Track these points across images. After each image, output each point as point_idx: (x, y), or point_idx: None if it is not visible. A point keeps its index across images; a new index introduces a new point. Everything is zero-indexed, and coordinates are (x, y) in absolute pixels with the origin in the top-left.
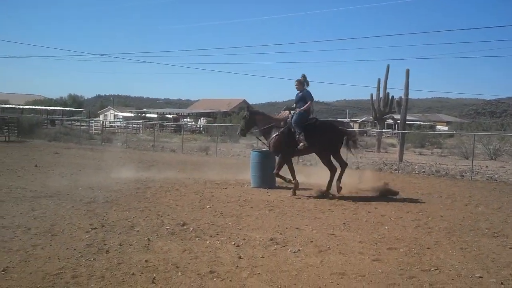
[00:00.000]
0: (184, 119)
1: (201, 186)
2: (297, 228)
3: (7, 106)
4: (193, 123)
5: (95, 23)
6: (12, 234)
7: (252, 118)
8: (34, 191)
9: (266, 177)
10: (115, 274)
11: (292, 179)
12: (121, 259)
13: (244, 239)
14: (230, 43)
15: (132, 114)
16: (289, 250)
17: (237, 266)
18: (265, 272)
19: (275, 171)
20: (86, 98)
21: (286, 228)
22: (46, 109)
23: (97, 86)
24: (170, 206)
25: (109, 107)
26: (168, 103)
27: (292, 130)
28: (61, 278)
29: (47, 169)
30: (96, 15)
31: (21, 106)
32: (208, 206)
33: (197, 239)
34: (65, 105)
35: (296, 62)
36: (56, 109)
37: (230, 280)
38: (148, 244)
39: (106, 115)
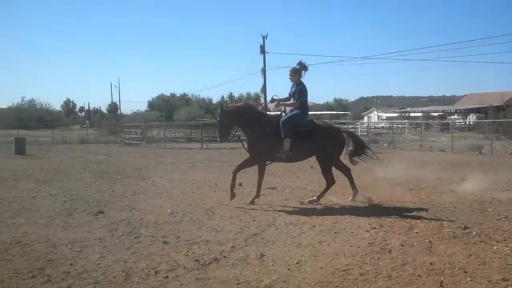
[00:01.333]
0: (451, 117)
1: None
2: None
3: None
4: (462, 120)
5: (354, 27)
6: (299, 230)
7: (232, 118)
8: (313, 190)
9: None
10: (401, 275)
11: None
12: (405, 260)
13: None
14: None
15: (395, 114)
16: None
17: None
18: None
19: (236, 168)
20: (350, 101)
21: None
22: (315, 113)
23: (360, 88)
24: (448, 208)
25: (372, 108)
26: (431, 100)
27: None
28: (349, 274)
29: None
30: (353, 19)
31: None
32: (490, 209)
33: (482, 244)
34: (331, 109)
35: None
36: (324, 113)
37: None
38: (430, 247)
39: (370, 116)
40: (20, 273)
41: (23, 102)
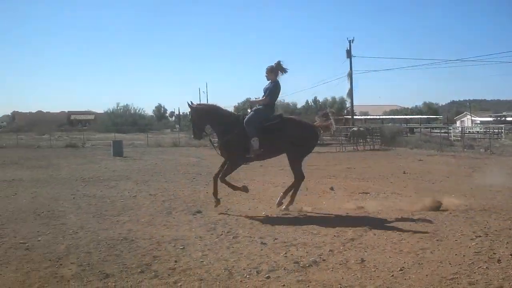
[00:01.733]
0: None
1: None
2: None
3: (367, 117)
4: None
5: (443, 29)
6: (399, 236)
7: (201, 116)
8: (408, 196)
9: None
10: None
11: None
12: None
13: None
14: None
15: (491, 119)
16: None
17: None
18: None
19: (220, 176)
20: (440, 105)
21: None
22: (404, 118)
23: (451, 92)
24: None
25: (465, 112)
26: None
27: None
28: (457, 283)
29: (415, 175)
30: (440, 21)
31: (380, 117)
32: None
33: None
34: (420, 113)
35: None
36: (413, 117)
37: None
38: None
39: (463, 120)
40: (129, 268)
41: (118, 108)
